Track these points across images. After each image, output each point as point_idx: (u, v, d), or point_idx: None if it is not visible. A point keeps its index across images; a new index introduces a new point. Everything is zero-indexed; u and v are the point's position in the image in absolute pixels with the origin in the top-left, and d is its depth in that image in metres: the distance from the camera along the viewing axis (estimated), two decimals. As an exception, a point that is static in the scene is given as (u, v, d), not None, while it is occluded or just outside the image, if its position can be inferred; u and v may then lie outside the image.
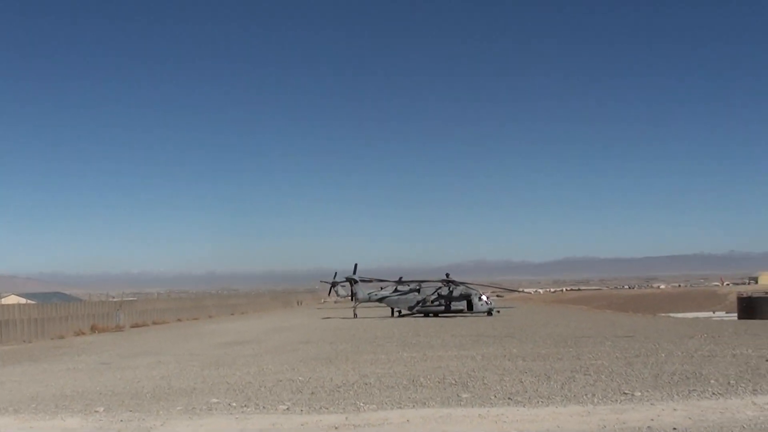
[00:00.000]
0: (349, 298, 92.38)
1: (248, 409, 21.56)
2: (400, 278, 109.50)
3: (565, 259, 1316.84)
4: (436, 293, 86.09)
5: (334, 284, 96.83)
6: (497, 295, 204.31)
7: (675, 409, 19.86)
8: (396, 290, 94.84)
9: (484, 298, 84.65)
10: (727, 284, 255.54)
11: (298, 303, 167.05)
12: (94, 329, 71.87)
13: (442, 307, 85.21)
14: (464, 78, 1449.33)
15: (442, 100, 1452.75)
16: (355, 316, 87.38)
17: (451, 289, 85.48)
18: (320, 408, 21.44)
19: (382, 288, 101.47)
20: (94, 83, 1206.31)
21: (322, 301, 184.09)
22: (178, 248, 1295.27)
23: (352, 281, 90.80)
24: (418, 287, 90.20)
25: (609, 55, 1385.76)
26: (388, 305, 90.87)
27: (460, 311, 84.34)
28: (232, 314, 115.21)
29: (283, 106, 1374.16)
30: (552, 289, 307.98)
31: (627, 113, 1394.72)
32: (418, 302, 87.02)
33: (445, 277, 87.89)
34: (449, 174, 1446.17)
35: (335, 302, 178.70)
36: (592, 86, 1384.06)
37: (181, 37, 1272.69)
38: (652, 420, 18.66)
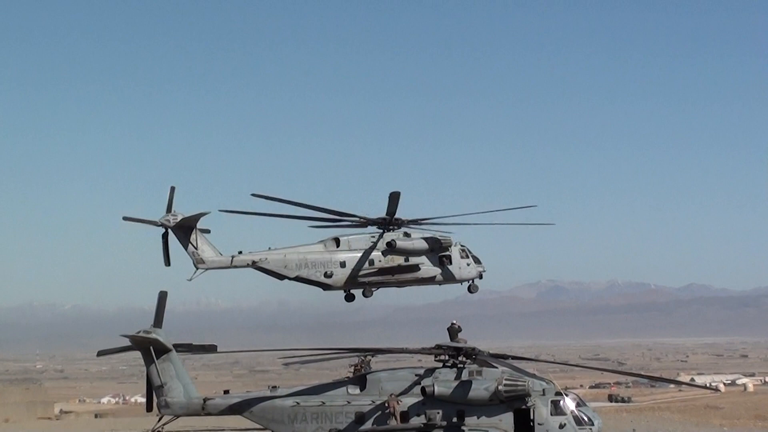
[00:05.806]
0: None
1: None
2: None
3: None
4: (414, 384, 37.33)
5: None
6: (614, 398, 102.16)
7: None
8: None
9: (568, 404, 37.42)
10: None
11: None
12: None
13: None
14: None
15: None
16: None
17: (464, 372, 37.08)
18: None
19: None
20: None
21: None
22: None
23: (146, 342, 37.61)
24: (362, 363, 38.90)
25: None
26: (263, 424, 38.18)
27: None
28: None
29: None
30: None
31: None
32: (358, 417, 36.81)
33: (447, 341, 38.39)
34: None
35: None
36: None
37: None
38: None
